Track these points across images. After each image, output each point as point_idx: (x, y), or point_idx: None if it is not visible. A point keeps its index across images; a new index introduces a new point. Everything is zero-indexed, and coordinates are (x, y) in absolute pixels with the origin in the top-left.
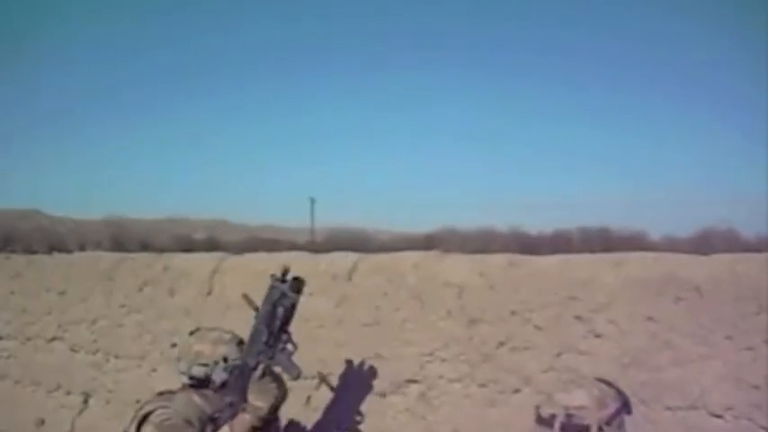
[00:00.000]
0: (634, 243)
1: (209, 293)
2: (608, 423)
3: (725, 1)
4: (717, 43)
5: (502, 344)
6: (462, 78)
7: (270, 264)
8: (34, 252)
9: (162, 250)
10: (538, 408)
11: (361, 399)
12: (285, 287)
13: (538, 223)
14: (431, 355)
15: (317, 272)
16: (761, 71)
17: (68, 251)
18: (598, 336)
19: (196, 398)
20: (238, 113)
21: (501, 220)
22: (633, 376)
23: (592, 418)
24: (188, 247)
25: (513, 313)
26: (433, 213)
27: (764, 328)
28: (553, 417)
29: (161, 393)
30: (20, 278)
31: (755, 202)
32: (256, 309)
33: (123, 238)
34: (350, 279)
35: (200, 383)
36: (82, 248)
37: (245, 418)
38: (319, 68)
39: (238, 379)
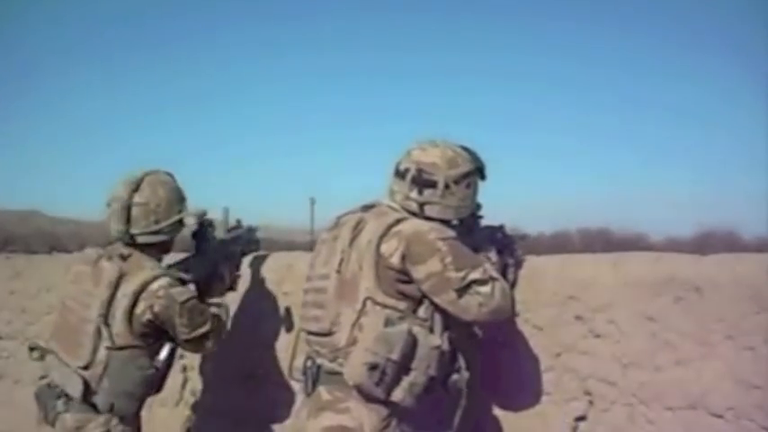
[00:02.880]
0: (634, 243)
1: None
2: (456, 181)
3: (726, 7)
4: (717, 43)
5: (502, 344)
6: (462, 78)
7: (270, 264)
8: (34, 252)
9: None
10: (398, 163)
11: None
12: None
13: (538, 223)
14: None
15: None
16: (761, 71)
17: (68, 251)
18: (598, 336)
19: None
20: (239, 113)
21: (501, 221)
22: (633, 376)
23: (440, 175)
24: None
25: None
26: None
27: (764, 328)
28: (407, 170)
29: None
30: (20, 278)
31: (755, 202)
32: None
33: None
34: None
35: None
36: (82, 248)
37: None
38: (319, 68)
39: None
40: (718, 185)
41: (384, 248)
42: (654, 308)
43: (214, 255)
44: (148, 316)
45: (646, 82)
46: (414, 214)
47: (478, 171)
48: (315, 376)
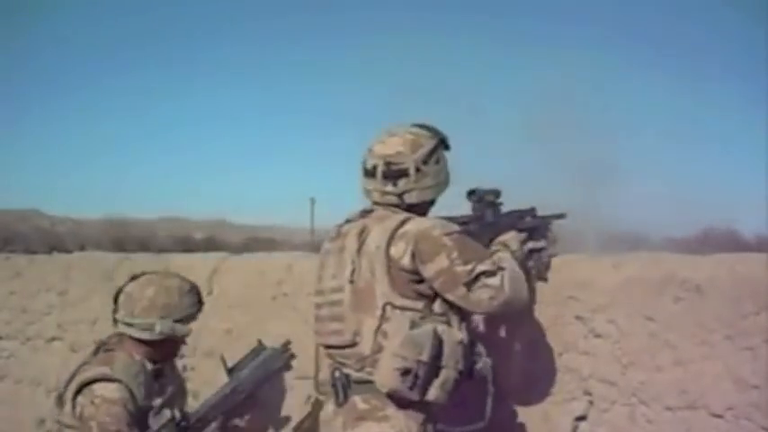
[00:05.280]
0: (634, 243)
1: (209, 293)
2: (425, 162)
3: (728, 7)
4: (717, 42)
5: (503, 344)
6: (461, 78)
7: (270, 264)
8: (34, 252)
9: (162, 250)
10: (364, 162)
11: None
12: (285, 358)
13: None
14: None
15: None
16: (761, 70)
17: (68, 251)
18: (598, 336)
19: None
20: (238, 114)
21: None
22: (633, 376)
23: (408, 161)
24: (187, 247)
25: None
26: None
27: (764, 328)
28: (375, 168)
29: (98, 348)
30: (20, 278)
31: (755, 202)
32: (230, 370)
33: (123, 239)
34: None
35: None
36: (82, 248)
37: None
38: (319, 67)
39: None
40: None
41: (393, 252)
42: (654, 308)
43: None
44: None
45: (645, 81)
46: (396, 206)
47: (442, 143)
48: (345, 386)
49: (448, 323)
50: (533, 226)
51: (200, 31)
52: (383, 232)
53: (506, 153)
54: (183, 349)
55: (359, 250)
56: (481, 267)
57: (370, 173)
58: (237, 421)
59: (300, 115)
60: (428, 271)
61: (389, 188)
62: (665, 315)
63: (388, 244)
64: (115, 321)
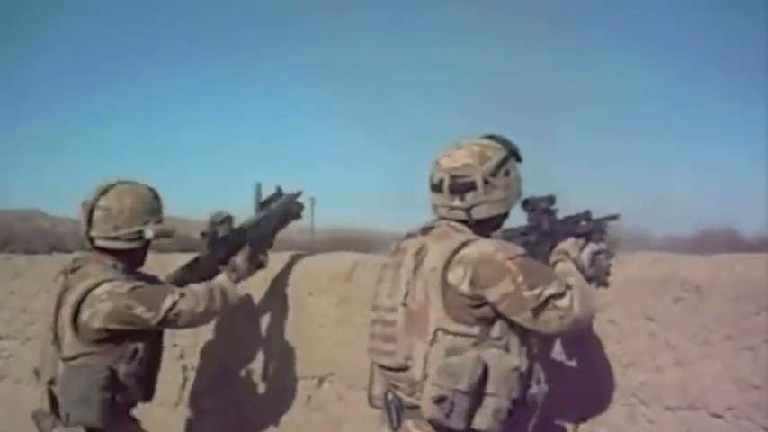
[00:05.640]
0: (634, 243)
1: None
2: (493, 174)
3: (728, 7)
4: (717, 42)
5: None
6: (460, 79)
7: (270, 264)
8: (34, 252)
9: (161, 250)
10: (431, 176)
11: None
12: (299, 205)
13: None
14: None
15: (317, 272)
16: (761, 70)
17: (68, 251)
18: (598, 336)
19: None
20: (238, 113)
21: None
22: (633, 376)
23: (475, 174)
24: (187, 246)
25: None
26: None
27: (764, 328)
28: (441, 181)
29: (66, 275)
30: (20, 278)
31: (755, 202)
32: (262, 204)
33: None
34: (350, 279)
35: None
36: (82, 248)
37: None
38: (319, 67)
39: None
40: (718, 185)
41: (451, 277)
42: (654, 308)
43: (224, 254)
44: (97, 323)
45: (645, 79)
46: (464, 222)
47: (513, 154)
48: (399, 409)
49: (506, 348)
50: (589, 230)
51: (199, 33)
52: (441, 254)
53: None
54: (183, 349)
55: (415, 270)
56: (549, 291)
57: (436, 187)
58: (261, 257)
59: (300, 115)
60: (492, 295)
61: (456, 203)
62: (665, 315)
63: (445, 268)
64: (91, 240)
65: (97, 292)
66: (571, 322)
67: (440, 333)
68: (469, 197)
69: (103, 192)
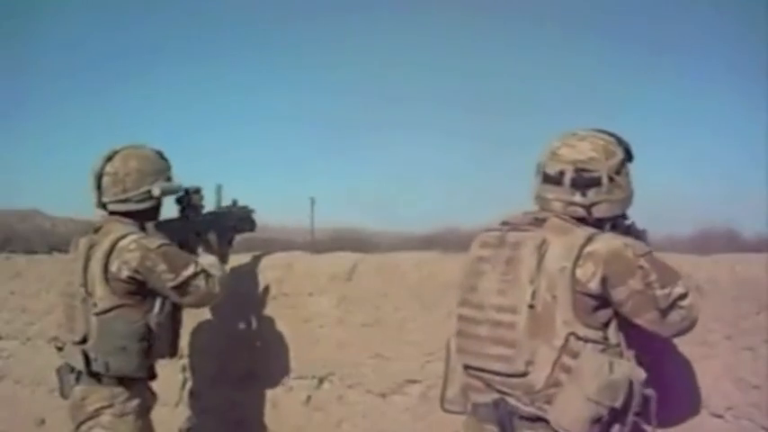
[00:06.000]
0: None
1: None
2: (617, 172)
3: (728, 5)
4: (717, 41)
5: None
6: (460, 79)
7: (270, 264)
8: (34, 252)
9: None
10: (543, 165)
11: None
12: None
13: None
14: (431, 354)
15: (317, 272)
16: (761, 69)
17: (68, 251)
18: None
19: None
20: (239, 113)
21: (501, 220)
22: None
23: (602, 169)
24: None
25: None
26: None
27: (764, 328)
28: (561, 174)
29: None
30: (20, 278)
31: (755, 202)
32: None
33: None
34: (350, 279)
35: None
36: None
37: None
38: (319, 67)
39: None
40: (718, 185)
41: (579, 274)
42: None
43: (199, 220)
44: (126, 272)
45: (645, 78)
46: (581, 219)
47: (627, 153)
48: (510, 419)
49: (621, 355)
50: (637, 231)
51: (200, 36)
52: (568, 250)
53: (506, 154)
54: (183, 349)
55: (538, 267)
56: (678, 290)
57: (554, 179)
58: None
59: (300, 115)
60: (619, 294)
61: (577, 198)
62: None
63: (575, 264)
64: (103, 206)
65: (124, 242)
66: (690, 324)
67: (572, 338)
68: (592, 193)
69: (109, 158)
